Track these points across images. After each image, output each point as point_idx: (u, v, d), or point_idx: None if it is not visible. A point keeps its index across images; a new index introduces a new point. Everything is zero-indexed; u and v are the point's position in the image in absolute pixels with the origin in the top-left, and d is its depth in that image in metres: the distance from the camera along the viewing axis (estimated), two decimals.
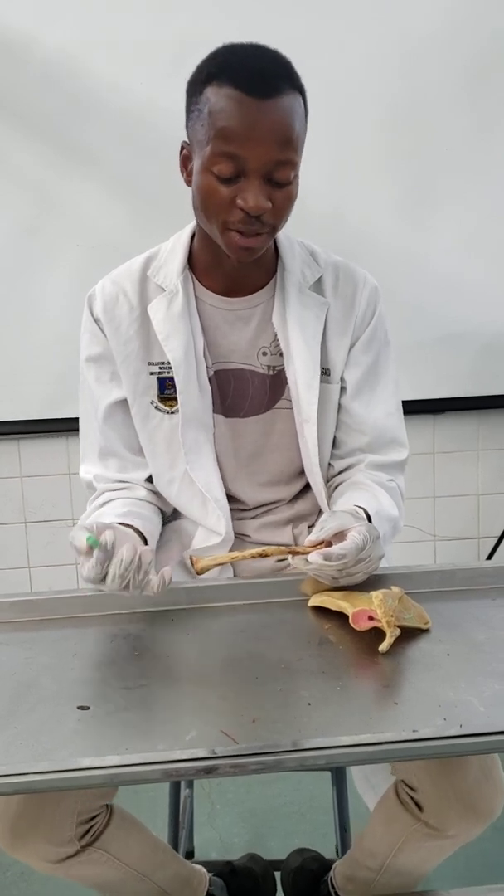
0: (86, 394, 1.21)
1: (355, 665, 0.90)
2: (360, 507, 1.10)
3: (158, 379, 1.16)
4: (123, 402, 1.19)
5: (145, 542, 1.10)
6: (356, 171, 2.13)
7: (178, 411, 1.15)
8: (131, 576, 0.92)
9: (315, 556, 0.97)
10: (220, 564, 0.97)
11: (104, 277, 1.19)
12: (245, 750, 0.74)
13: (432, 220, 2.18)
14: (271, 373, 1.19)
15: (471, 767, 0.98)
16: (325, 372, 1.18)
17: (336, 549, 0.97)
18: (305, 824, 1.73)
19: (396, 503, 1.18)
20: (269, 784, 1.85)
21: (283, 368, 1.18)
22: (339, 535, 1.00)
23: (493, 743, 0.76)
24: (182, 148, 1.09)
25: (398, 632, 0.92)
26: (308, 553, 0.99)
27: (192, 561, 1.06)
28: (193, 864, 1.23)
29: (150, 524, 1.16)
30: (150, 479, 1.22)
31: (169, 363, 1.14)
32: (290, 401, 1.18)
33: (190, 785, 1.55)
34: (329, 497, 1.22)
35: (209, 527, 1.19)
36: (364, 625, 0.93)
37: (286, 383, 1.18)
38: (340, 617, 0.98)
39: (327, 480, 1.23)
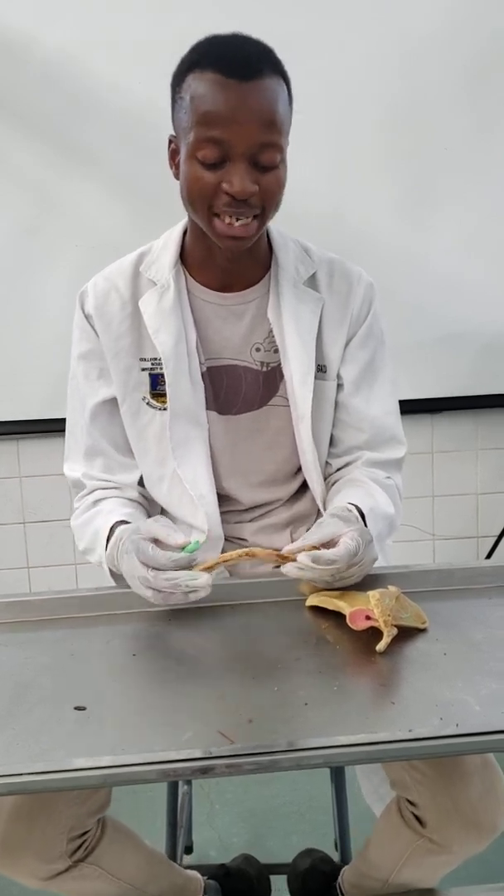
0: (74, 391, 1.21)
1: (352, 665, 0.90)
2: (353, 504, 1.09)
3: (150, 375, 1.16)
4: (111, 402, 1.18)
5: None
6: (356, 171, 2.13)
7: (168, 407, 1.14)
8: (179, 593, 0.93)
9: (304, 557, 0.95)
10: (209, 568, 0.96)
11: (96, 275, 1.19)
12: (241, 750, 0.74)
13: (432, 220, 2.18)
14: (265, 369, 1.18)
15: (472, 782, 0.97)
16: (321, 369, 1.17)
17: (328, 553, 0.95)
18: (304, 824, 1.73)
19: (393, 501, 1.17)
20: (269, 784, 1.85)
21: (278, 365, 1.17)
22: (331, 543, 0.98)
23: (489, 742, 0.76)
24: (170, 142, 1.09)
25: (395, 631, 0.92)
26: (294, 558, 0.97)
27: None
28: (188, 872, 1.22)
29: None
30: (136, 483, 1.21)
31: (160, 359, 1.13)
32: (286, 398, 1.18)
33: (188, 782, 1.55)
34: (325, 495, 1.21)
35: (198, 526, 1.18)
36: (361, 624, 0.93)
37: (281, 380, 1.18)
38: (338, 616, 0.97)
39: (325, 479, 1.22)
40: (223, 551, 1.20)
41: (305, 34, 2.02)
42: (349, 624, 0.94)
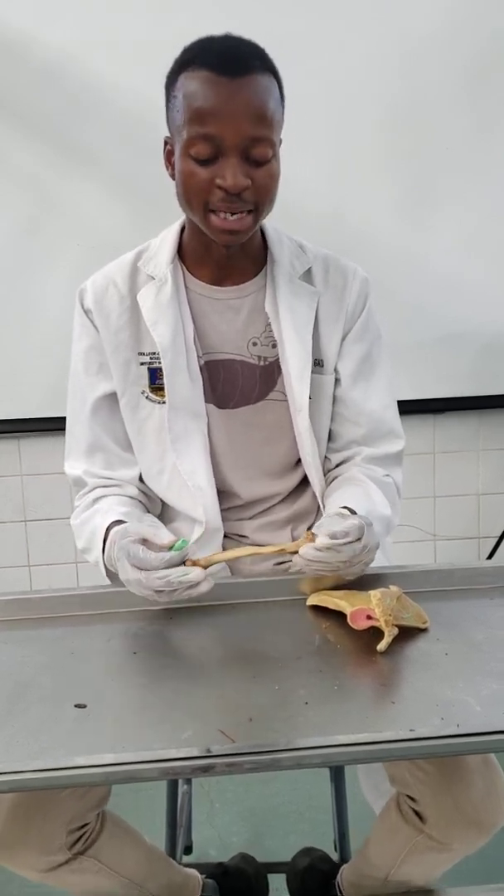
0: (75, 387, 1.22)
1: (353, 664, 0.90)
2: (349, 508, 1.09)
3: (149, 369, 1.17)
4: (111, 397, 1.19)
5: None
6: (356, 171, 2.13)
7: (166, 400, 1.15)
8: (176, 590, 0.93)
9: (323, 540, 0.94)
10: (214, 564, 0.96)
11: (95, 273, 1.20)
12: (241, 749, 0.74)
13: (432, 220, 2.18)
14: (262, 364, 1.19)
15: (472, 778, 0.97)
16: (318, 363, 1.18)
17: (339, 528, 0.95)
18: (304, 824, 1.73)
19: (391, 500, 1.17)
20: (269, 783, 1.85)
21: (275, 360, 1.18)
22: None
23: (489, 743, 0.76)
24: (165, 143, 1.10)
25: (396, 631, 0.92)
26: (297, 551, 0.97)
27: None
28: (187, 870, 1.22)
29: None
30: (136, 479, 1.21)
31: (159, 353, 1.14)
32: (284, 393, 1.19)
33: (188, 781, 1.55)
34: (323, 494, 1.21)
35: (198, 518, 1.19)
36: (362, 624, 0.93)
37: (279, 375, 1.19)
38: (339, 616, 0.97)
39: (325, 474, 1.23)
40: (224, 548, 1.20)
41: (305, 34, 2.02)
42: (350, 623, 0.94)
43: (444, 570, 1.09)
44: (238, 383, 1.19)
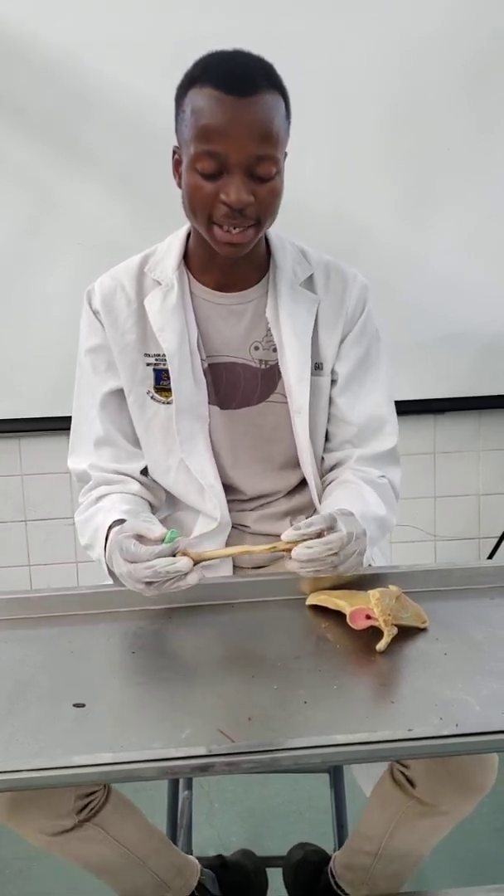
0: (83, 385, 1.24)
1: (352, 664, 0.90)
2: (343, 511, 1.09)
3: (155, 370, 1.20)
4: (119, 393, 1.21)
5: None
6: (356, 171, 2.13)
7: (173, 402, 1.18)
8: (165, 581, 0.93)
9: (288, 533, 0.97)
10: (206, 560, 0.97)
11: (103, 275, 1.23)
12: (240, 748, 0.74)
13: (432, 221, 2.18)
14: (263, 367, 1.22)
15: None
16: (318, 366, 1.21)
17: (303, 521, 0.98)
18: (304, 824, 1.73)
19: (386, 501, 1.18)
20: (268, 783, 1.85)
21: (276, 363, 1.21)
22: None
23: (488, 742, 0.77)
24: (174, 153, 1.13)
25: (395, 630, 0.92)
26: (290, 549, 0.98)
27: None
28: (187, 857, 1.24)
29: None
30: (143, 472, 1.24)
31: (164, 355, 1.17)
32: (284, 395, 1.21)
33: (189, 786, 1.55)
34: (320, 493, 1.23)
35: (207, 513, 1.22)
36: (361, 623, 0.93)
37: (279, 378, 1.21)
38: (338, 616, 0.98)
39: (321, 476, 1.25)
40: (229, 537, 1.23)
41: (305, 34, 2.02)
42: (349, 623, 0.94)
43: (443, 569, 1.09)
44: (240, 385, 1.22)
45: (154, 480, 1.25)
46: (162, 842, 1.19)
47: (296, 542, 0.97)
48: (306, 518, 1.05)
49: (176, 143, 1.12)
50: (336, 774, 1.42)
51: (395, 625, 0.92)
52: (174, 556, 0.95)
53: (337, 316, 1.21)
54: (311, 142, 2.06)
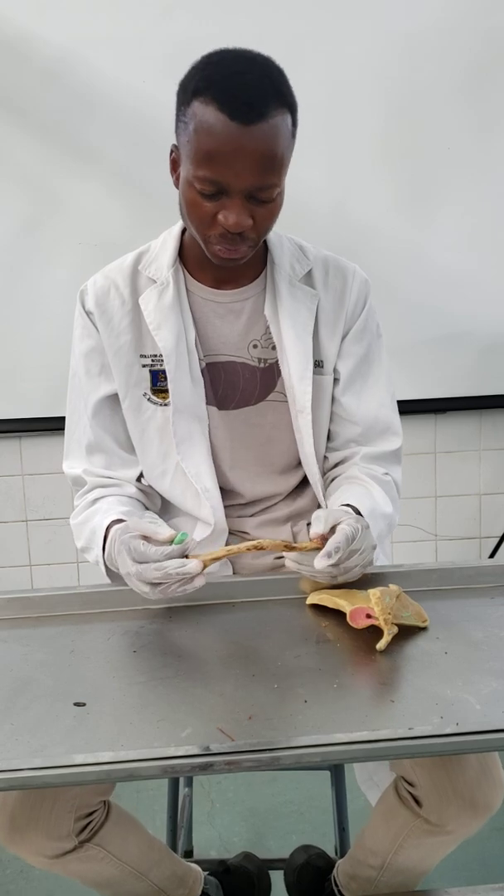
0: (75, 388, 1.22)
1: (352, 663, 0.90)
2: (351, 506, 1.10)
3: (151, 371, 1.17)
4: (112, 398, 1.19)
5: None
6: (357, 170, 2.13)
7: (170, 403, 1.16)
8: (172, 584, 0.93)
9: (319, 562, 0.95)
10: (216, 559, 0.97)
11: (96, 273, 1.20)
12: (240, 747, 0.74)
13: (433, 219, 2.18)
14: (262, 365, 1.20)
15: (469, 763, 0.98)
16: (318, 364, 1.19)
17: (329, 544, 0.96)
18: (305, 823, 1.73)
19: (391, 498, 1.18)
20: (269, 783, 1.85)
21: (275, 361, 1.19)
22: (331, 530, 1.00)
23: (488, 741, 0.76)
24: (171, 151, 1.10)
25: (396, 630, 0.92)
26: (305, 548, 0.99)
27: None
28: (189, 863, 1.23)
29: None
30: (137, 479, 1.22)
31: (161, 355, 1.15)
32: (284, 394, 1.19)
33: (189, 784, 1.55)
34: (325, 491, 1.22)
35: (203, 518, 1.20)
36: (362, 622, 0.93)
37: (278, 376, 1.19)
38: (338, 615, 0.97)
39: (323, 474, 1.24)
40: (227, 544, 1.21)
41: (306, 34, 2.02)
42: (349, 622, 0.94)
43: (443, 568, 1.09)
44: (239, 385, 1.20)
45: (149, 486, 1.23)
46: (163, 852, 1.18)
47: (312, 543, 0.97)
48: (308, 523, 1.04)
49: (175, 143, 1.08)
50: (337, 773, 1.41)
51: (396, 624, 0.92)
52: (185, 557, 0.95)
53: (337, 313, 1.19)
54: (311, 140, 2.05)
